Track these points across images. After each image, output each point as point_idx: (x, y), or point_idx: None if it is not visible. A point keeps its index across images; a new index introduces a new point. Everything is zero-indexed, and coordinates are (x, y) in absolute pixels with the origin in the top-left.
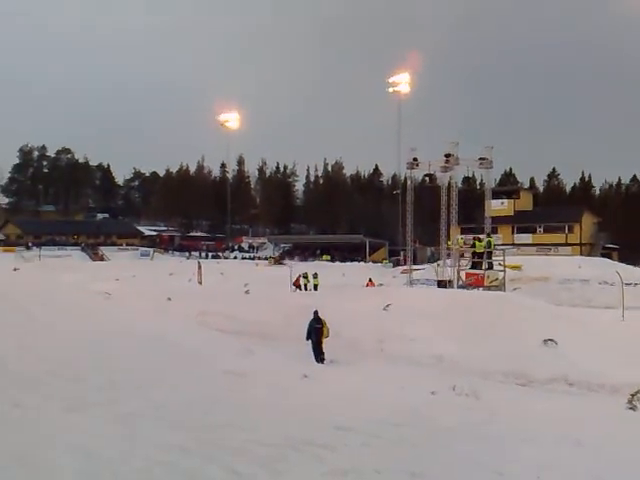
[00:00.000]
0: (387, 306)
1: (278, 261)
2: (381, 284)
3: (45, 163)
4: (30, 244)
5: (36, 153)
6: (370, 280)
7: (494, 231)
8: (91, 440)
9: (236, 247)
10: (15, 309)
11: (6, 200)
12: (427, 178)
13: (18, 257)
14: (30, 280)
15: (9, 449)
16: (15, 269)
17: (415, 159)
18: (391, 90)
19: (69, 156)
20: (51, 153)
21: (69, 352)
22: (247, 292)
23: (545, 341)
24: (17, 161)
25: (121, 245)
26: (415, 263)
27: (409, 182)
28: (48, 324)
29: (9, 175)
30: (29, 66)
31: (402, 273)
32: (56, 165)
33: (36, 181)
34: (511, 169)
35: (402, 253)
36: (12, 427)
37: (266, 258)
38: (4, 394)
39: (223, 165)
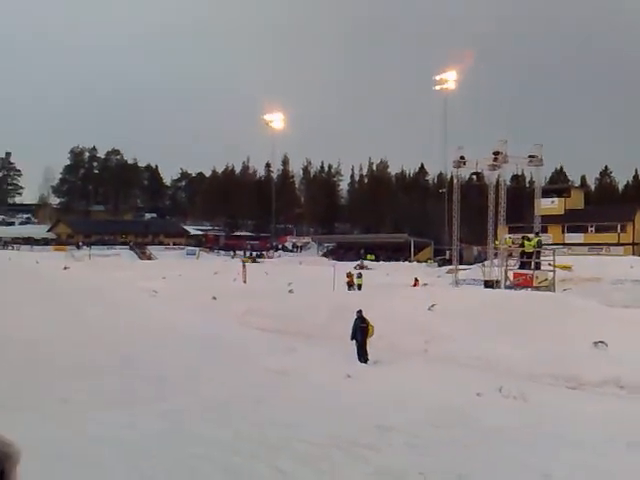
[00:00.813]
0: (432, 306)
1: (254, 260)
2: (426, 284)
3: (95, 164)
4: (80, 243)
5: (87, 154)
6: (416, 280)
7: (544, 230)
8: (139, 436)
9: (280, 247)
10: (64, 306)
11: (57, 200)
12: (474, 176)
13: (69, 256)
14: (80, 278)
15: (58, 446)
16: (65, 268)
17: (462, 157)
18: (437, 88)
19: (118, 157)
20: (101, 154)
21: (117, 348)
22: (291, 291)
23: (596, 343)
24: (68, 162)
25: (168, 244)
26: (461, 263)
27: (455, 180)
28: (97, 321)
29: (60, 176)
30: (92, 68)
31: (447, 273)
32: (106, 166)
33: (87, 181)
34: (562, 167)
35: (448, 253)
36: (60, 423)
37: (245, 255)
38: (52, 389)
39: (268, 165)
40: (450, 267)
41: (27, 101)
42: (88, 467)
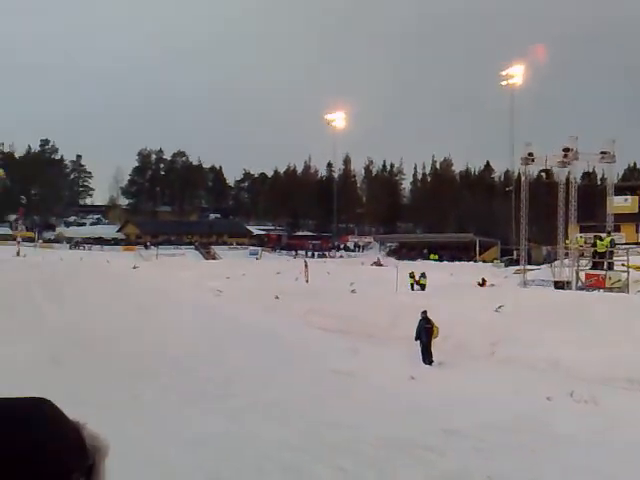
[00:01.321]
0: (499, 307)
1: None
2: (492, 284)
3: (162, 166)
4: (148, 243)
5: (154, 156)
6: (484, 280)
7: (616, 229)
8: (206, 434)
9: (342, 246)
10: (134, 305)
11: (126, 201)
12: (543, 174)
13: (137, 256)
14: (148, 278)
15: (129, 443)
16: (135, 267)
17: (530, 154)
18: (504, 83)
19: (184, 159)
20: (167, 156)
21: (185, 346)
22: (353, 291)
23: None
24: (136, 164)
25: (231, 244)
26: (529, 263)
27: (523, 178)
28: (164, 319)
29: (129, 177)
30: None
31: (515, 273)
32: (172, 167)
33: (154, 183)
34: (635, 163)
35: (515, 252)
36: (133, 419)
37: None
38: (124, 386)
39: (329, 164)
40: (518, 267)
41: (97, 105)
42: (156, 465)
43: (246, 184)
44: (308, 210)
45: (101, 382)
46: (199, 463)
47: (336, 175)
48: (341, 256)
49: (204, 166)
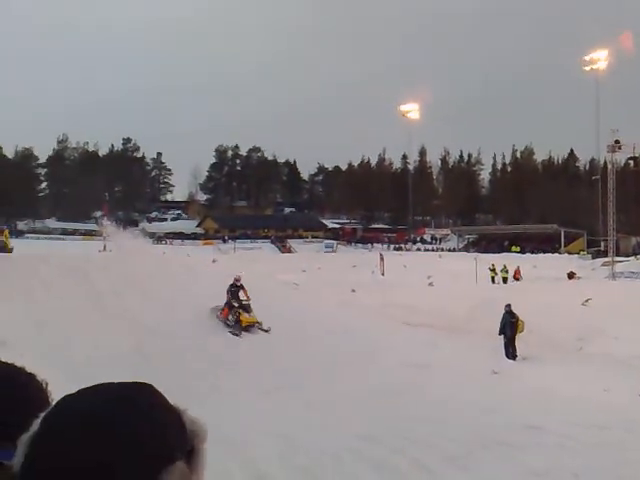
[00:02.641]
0: (586, 301)
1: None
2: (579, 277)
3: (238, 161)
4: (226, 237)
5: (230, 152)
6: (572, 273)
7: None
8: (287, 425)
9: (418, 239)
10: (214, 297)
11: (205, 197)
12: (631, 161)
13: (216, 249)
14: (227, 271)
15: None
16: (214, 261)
17: (617, 141)
18: (588, 69)
19: (259, 154)
20: (243, 152)
21: (262, 338)
22: (431, 284)
23: None
24: (214, 160)
25: (307, 238)
26: (618, 254)
27: (610, 166)
28: None
29: (207, 173)
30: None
31: (603, 265)
32: (248, 163)
33: (230, 178)
34: None
35: (602, 244)
36: (211, 409)
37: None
38: (205, 376)
39: (405, 156)
40: (606, 259)
41: (177, 105)
42: (239, 453)
43: (320, 178)
44: (383, 203)
45: (180, 372)
46: (284, 452)
47: (411, 167)
48: (418, 249)
49: (279, 161)
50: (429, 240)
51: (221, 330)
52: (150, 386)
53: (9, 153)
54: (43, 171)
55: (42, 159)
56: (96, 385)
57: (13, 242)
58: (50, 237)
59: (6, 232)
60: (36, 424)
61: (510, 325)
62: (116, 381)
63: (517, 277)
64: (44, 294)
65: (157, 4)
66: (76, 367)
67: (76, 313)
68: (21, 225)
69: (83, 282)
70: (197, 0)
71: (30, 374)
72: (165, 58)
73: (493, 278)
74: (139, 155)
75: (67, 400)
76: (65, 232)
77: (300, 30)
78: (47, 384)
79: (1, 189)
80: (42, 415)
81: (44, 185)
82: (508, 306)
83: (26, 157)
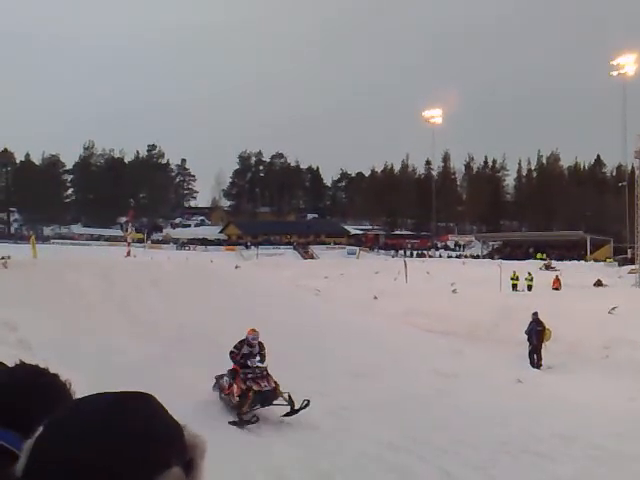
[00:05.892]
0: (613, 309)
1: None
2: (605, 285)
3: (261, 168)
4: (248, 243)
5: (253, 159)
6: (599, 281)
7: None
8: (310, 433)
9: (441, 245)
10: (237, 303)
11: (228, 203)
12: None
13: (238, 255)
14: (249, 277)
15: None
16: (237, 267)
17: None
18: (615, 73)
19: (282, 160)
20: (266, 158)
21: (285, 343)
22: (454, 291)
23: None
24: (237, 167)
25: (329, 244)
26: None
27: (637, 172)
28: (265, 318)
29: (230, 180)
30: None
31: (630, 273)
32: (271, 169)
33: (253, 185)
34: None
35: (629, 251)
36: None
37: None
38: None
39: (428, 162)
40: (633, 267)
41: (201, 111)
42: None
43: (343, 184)
44: (406, 209)
45: (205, 379)
46: (300, 457)
47: (435, 173)
48: (441, 255)
49: (302, 167)
50: (452, 247)
51: None
52: (150, 396)
53: (36, 160)
54: (69, 177)
55: (68, 165)
56: (99, 393)
57: (39, 247)
58: (75, 243)
59: (33, 238)
60: (40, 428)
61: (537, 333)
62: (121, 390)
63: (557, 287)
64: (69, 299)
65: (185, 11)
66: (100, 371)
67: (101, 318)
68: (47, 231)
69: (108, 287)
70: (227, 5)
71: (54, 374)
72: (191, 65)
73: (515, 285)
74: (164, 161)
75: (69, 406)
76: (90, 238)
77: (326, 36)
78: (70, 384)
79: (28, 195)
80: (46, 420)
81: (70, 191)
82: (535, 314)
83: (53, 163)
